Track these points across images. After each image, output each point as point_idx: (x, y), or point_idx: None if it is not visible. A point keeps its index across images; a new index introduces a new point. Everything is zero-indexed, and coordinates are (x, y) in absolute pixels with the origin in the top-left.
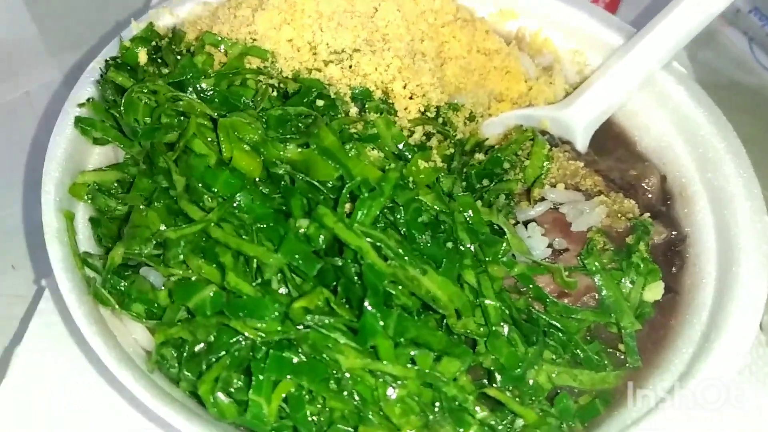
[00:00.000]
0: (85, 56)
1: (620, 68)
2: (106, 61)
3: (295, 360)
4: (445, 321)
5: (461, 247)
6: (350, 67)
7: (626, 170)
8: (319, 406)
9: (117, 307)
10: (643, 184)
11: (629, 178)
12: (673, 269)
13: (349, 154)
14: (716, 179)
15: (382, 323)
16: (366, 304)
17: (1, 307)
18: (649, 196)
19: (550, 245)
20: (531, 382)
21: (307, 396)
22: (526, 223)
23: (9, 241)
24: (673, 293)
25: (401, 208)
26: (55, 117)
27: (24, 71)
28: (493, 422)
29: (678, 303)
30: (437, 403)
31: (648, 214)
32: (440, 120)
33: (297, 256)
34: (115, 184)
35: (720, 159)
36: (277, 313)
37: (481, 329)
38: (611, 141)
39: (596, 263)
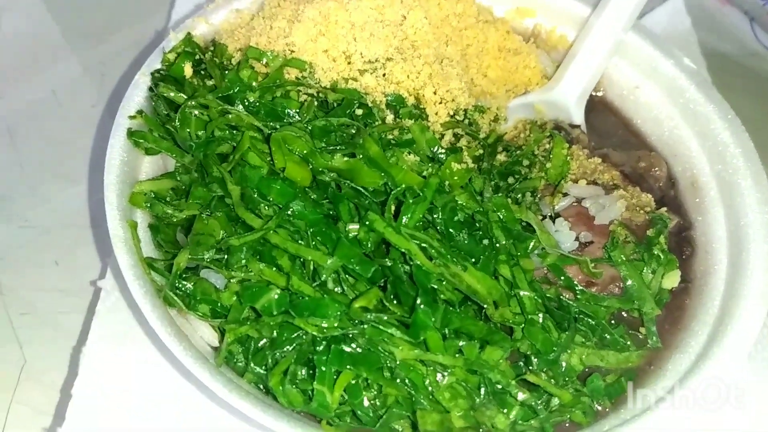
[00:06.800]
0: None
1: (593, 38)
2: (153, 74)
3: (353, 352)
4: (483, 311)
5: (497, 244)
6: (384, 75)
7: (636, 162)
8: (374, 392)
9: (184, 308)
10: (651, 174)
11: (639, 170)
12: (684, 255)
13: (390, 161)
14: (725, 171)
15: (433, 319)
16: (418, 302)
17: (48, 302)
18: (660, 185)
19: (576, 238)
20: (564, 364)
21: (363, 384)
22: (552, 217)
23: (50, 237)
24: (685, 283)
25: (438, 208)
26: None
27: (46, 67)
28: (532, 403)
29: (691, 289)
30: (482, 388)
31: (665, 209)
32: (467, 122)
33: (352, 260)
34: (170, 192)
35: (730, 153)
36: (338, 312)
37: (518, 317)
38: (623, 133)
39: (621, 255)
